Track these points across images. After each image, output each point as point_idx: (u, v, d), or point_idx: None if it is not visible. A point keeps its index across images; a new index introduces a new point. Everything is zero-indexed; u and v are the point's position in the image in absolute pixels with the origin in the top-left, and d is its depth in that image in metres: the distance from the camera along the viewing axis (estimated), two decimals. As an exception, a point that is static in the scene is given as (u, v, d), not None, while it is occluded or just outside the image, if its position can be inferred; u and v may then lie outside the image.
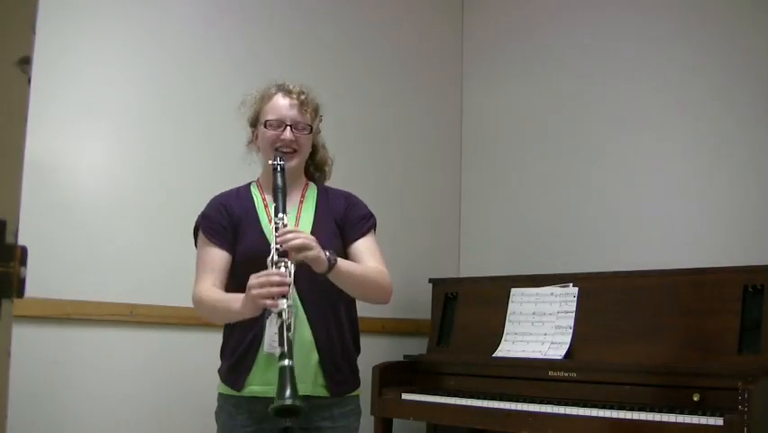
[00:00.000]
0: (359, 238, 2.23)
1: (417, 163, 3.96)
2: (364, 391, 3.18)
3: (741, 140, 3.15)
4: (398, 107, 3.91)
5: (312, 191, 2.30)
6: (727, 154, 3.19)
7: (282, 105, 2.19)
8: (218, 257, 2.16)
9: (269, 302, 1.88)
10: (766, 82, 3.11)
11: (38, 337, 2.73)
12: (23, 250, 0.81)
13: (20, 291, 0.81)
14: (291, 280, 1.93)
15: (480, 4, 4.17)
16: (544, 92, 3.83)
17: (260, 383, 2.09)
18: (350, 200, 2.30)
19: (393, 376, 3.29)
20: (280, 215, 2.02)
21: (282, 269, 1.93)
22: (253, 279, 1.93)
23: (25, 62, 0.83)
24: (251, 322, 2.05)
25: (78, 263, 2.86)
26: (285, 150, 2.16)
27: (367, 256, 2.20)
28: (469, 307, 3.44)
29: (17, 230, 0.81)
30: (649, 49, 3.46)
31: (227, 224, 2.18)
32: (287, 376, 1.78)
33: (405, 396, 3.17)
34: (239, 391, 2.11)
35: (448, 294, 3.53)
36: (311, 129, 2.23)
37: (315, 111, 2.26)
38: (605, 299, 3.04)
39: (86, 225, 2.90)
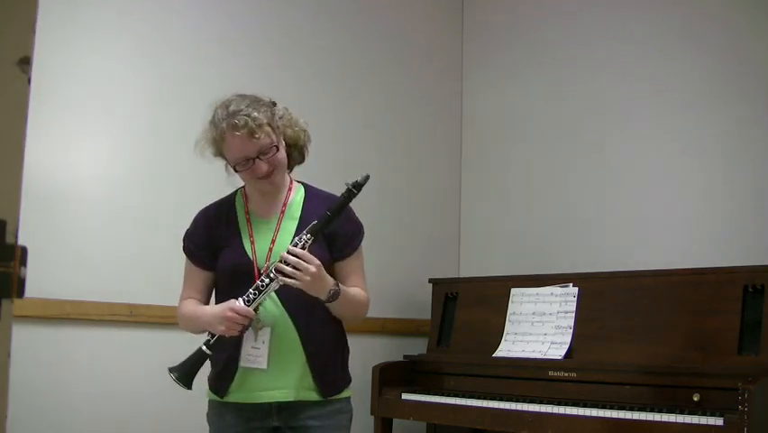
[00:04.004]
0: (347, 257, 2.23)
1: (417, 163, 3.96)
2: (364, 391, 3.19)
3: (741, 140, 3.15)
4: (398, 108, 3.91)
5: (298, 195, 2.27)
6: (728, 154, 3.19)
7: (237, 144, 2.10)
8: (199, 278, 2.25)
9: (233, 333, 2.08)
10: (767, 82, 3.11)
11: (38, 337, 2.73)
12: (23, 250, 0.81)
13: (20, 291, 0.81)
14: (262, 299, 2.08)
15: (480, 4, 4.17)
16: (544, 92, 3.82)
17: (240, 391, 2.15)
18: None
19: (393, 376, 3.29)
20: (305, 237, 2.06)
21: (267, 281, 2.06)
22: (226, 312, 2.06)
23: (25, 62, 0.83)
24: (231, 337, 2.13)
25: (78, 263, 2.86)
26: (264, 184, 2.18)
27: (354, 279, 2.23)
28: (469, 307, 3.44)
29: (17, 230, 0.81)
30: (650, 49, 3.46)
31: (207, 244, 2.22)
32: (196, 360, 2.11)
33: (405, 396, 3.17)
34: (222, 397, 2.18)
35: (448, 294, 3.52)
36: (277, 147, 2.15)
37: (270, 124, 2.14)
38: (605, 299, 3.03)
39: (85, 226, 2.90)
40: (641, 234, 3.37)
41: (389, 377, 3.27)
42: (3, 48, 0.82)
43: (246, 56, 3.35)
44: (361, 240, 2.27)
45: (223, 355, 2.17)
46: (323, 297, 2.09)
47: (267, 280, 2.05)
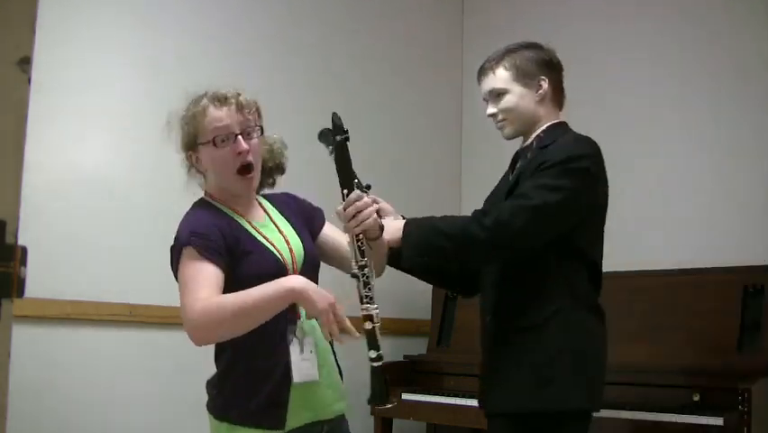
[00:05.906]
0: (323, 226, 2.09)
1: (417, 163, 3.96)
2: (364, 392, 3.19)
3: (741, 140, 3.15)
4: (399, 107, 3.91)
5: (265, 202, 2.07)
6: (728, 155, 3.19)
7: (222, 115, 1.89)
8: (218, 280, 1.84)
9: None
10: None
11: (38, 337, 2.73)
12: (23, 250, 0.81)
13: (20, 291, 0.81)
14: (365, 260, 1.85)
15: (480, 4, 4.17)
16: (543, 92, 3.82)
17: (304, 411, 1.87)
18: (292, 196, 2.12)
19: (393, 376, 3.28)
20: (359, 193, 1.88)
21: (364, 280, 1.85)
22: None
23: (25, 62, 0.83)
24: (266, 353, 1.84)
25: (78, 263, 2.86)
26: (244, 165, 1.90)
27: (340, 235, 2.03)
28: (469, 307, 3.43)
29: (17, 230, 0.81)
30: (650, 50, 3.46)
31: (224, 244, 1.89)
32: (384, 379, 1.93)
33: (405, 396, 3.17)
34: (281, 428, 1.83)
35: (448, 294, 3.52)
36: (262, 129, 1.95)
37: (258, 109, 1.96)
38: (605, 299, 3.02)
39: (85, 226, 2.90)
40: (641, 234, 3.37)
41: (389, 377, 3.26)
42: (3, 48, 0.82)
43: (246, 57, 3.35)
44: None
45: (265, 382, 1.85)
46: (378, 232, 1.92)
47: (363, 257, 1.84)
